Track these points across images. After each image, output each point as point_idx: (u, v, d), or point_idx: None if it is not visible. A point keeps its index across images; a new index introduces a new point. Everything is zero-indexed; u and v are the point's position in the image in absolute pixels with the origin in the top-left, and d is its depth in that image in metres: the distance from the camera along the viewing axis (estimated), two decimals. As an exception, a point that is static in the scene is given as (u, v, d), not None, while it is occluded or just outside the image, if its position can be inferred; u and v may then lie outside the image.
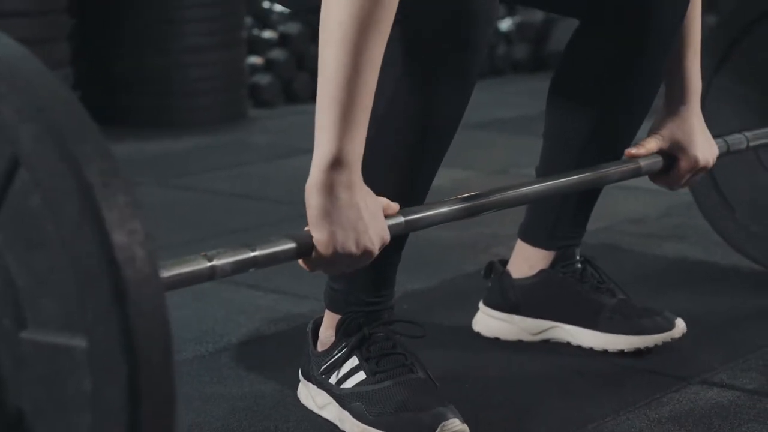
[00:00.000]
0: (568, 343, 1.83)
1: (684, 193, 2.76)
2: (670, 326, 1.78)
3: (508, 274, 1.88)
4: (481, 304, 1.91)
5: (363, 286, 1.55)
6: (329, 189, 1.32)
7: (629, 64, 1.71)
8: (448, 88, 1.42)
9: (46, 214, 0.89)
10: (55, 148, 0.88)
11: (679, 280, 2.20)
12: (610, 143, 1.75)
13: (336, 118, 1.31)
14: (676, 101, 1.75)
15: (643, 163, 1.71)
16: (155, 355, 0.89)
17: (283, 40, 4.57)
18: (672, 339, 1.78)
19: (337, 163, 1.32)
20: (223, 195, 3.03)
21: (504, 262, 1.90)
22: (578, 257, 1.85)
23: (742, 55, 2.15)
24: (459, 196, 1.48)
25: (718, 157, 1.79)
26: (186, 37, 4.05)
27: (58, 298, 0.90)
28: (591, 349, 1.80)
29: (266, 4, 4.61)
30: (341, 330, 1.57)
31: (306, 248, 1.31)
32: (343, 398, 1.54)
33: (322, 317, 1.62)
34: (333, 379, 1.56)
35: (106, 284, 0.86)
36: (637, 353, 1.78)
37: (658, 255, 2.37)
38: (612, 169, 1.67)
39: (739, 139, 1.85)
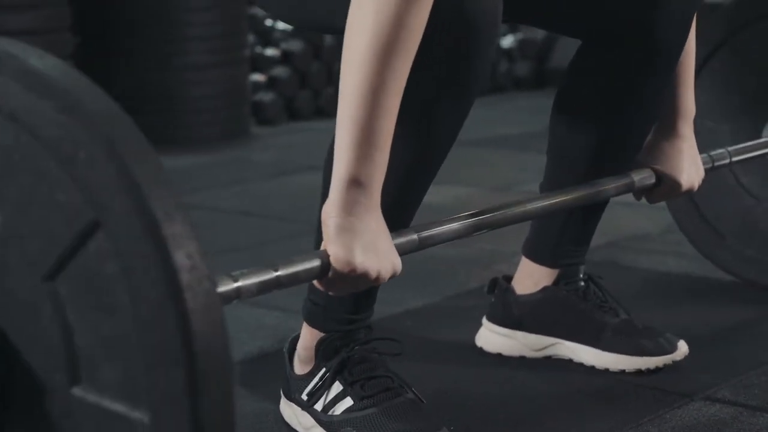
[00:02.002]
0: (571, 360, 1.83)
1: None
2: (672, 348, 1.78)
3: (512, 290, 1.88)
4: (484, 320, 1.91)
5: (344, 303, 1.54)
6: (348, 209, 1.31)
7: (634, 82, 1.71)
8: (447, 105, 1.41)
9: (123, 284, 0.87)
10: (144, 229, 0.87)
11: (681, 296, 2.20)
12: (613, 160, 1.75)
13: (355, 140, 1.30)
14: (666, 123, 1.76)
15: (636, 177, 1.72)
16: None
17: (286, 58, 4.58)
18: (673, 362, 1.78)
19: (356, 184, 1.31)
20: (226, 212, 3.04)
21: (508, 278, 1.90)
22: (582, 275, 1.85)
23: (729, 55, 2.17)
24: (469, 213, 1.49)
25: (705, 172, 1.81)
26: (189, 54, 4.06)
27: (120, 367, 0.88)
28: (593, 367, 1.80)
29: (269, 22, 4.62)
30: (320, 353, 1.56)
31: (327, 267, 1.30)
32: (333, 425, 1.53)
33: (298, 336, 1.61)
34: (319, 406, 1.55)
35: (182, 372, 0.85)
36: (638, 373, 1.78)
37: (661, 271, 2.37)
38: (606, 185, 1.69)
39: (722, 155, 1.87)
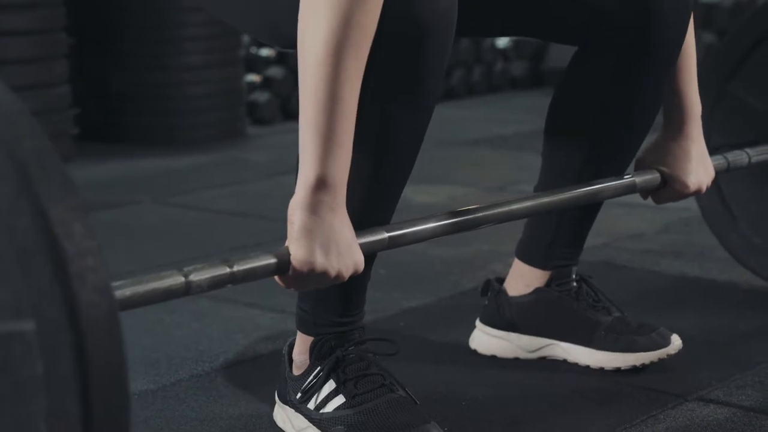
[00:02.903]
0: (565, 361, 1.84)
1: (682, 210, 2.77)
2: (666, 343, 1.79)
3: (505, 292, 1.88)
4: (477, 322, 1.91)
5: (332, 307, 1.55)
6: (313, 208, 1.34)
7: (630, 85, 1.71)
8: (402, 108, 1.41)
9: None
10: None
11: (676, 297, 2.21)
12: (608, 164, 1.75)
13: (318, 141, 1.32)
14: (672, 125, 1.76)
15: (638, 179, 1.71)
16: (101, 324, 0.87)
17: (281, 58, 4.59)
18: (668, 355, 1.78)
19: (321, 184, 1.33)
20: (222, 213, 3.04)
21: (500, 280, 1.91)
22: (574, 276, 1.85)
23: (753, 68, 2.15)
24: (443, 213, 1.49)
25: (719, 173, 1.79)
26: (184, 55, 4.06)
27: (5, 285, 0.88)
28: (587, 367, 1.81)
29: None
30: (314, 353, 1.57)
31: (285, 265, 1.32)
32: (323, 423, 1.54)
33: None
34: (312, 404, 1.56)
35: (46, 259, 0.85)
36: (634, 370, 1.78)
37: (656, 271, 2.37)
38: (607, 185, 1.68)
39: (740, 156, 1.85)
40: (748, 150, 1.86)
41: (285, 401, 1.61)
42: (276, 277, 1.35)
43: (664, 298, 2.20)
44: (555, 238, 1.83)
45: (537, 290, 1.85)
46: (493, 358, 1.88)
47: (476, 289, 1.97)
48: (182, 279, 1.19)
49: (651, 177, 1.73)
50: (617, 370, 1.79)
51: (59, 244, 0.87)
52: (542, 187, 1.80)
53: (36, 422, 0.88)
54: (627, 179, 1.70)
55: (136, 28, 4.05)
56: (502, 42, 5.42)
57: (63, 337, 0.87)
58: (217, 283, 1.23)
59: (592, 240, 2.46)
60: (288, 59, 4.57)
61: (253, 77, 4.52)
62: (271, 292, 2.20)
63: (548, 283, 1.84)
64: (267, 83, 4.54)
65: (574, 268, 1.86)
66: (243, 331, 2.04)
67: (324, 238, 1.33)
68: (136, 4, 4.04)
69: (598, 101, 1.73)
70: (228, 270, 1.24)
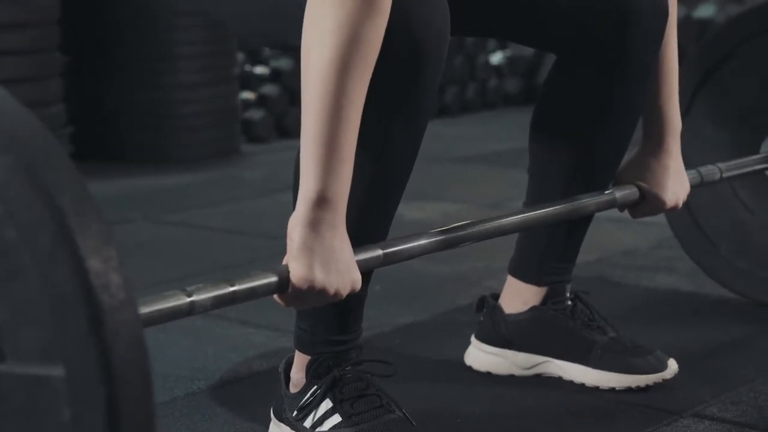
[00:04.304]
0: (560, 378, 1.84)
1: (675, 226, 2.77)
2: (663, 367, 1.79)
3: (500, 309, 1.88)
4: (473, 338, 1.91)
5: (329, 326, 1.55)
6: (313, 226, 1.34)
7: (607, 96, 1.72)
8: (400, 125, 1.42)
9: (22, 246, 0.89)
10: (27, 178, 0.88)
11: (669, 313, 2.21)
12: (593, 176, 1.77)
13: (320, 157, 1.32)
14: (651, 140, 1.78)
15: (618, 194, 1.74)
16: (133, 378, 0.88)
17: (275, 76, 4.59)
18: (663, 380, 1.78)
19: (322, 201, 1.33)
20: (217, 231, 3.04)
21: (495, 296, 1.91)
22: (569, 294, 1.86)
23: (721, 80, 2.18)
24: (436, 229, 1.49)
25: (693, 188, 1.81)
26: (178, 73, 4.07)
27: (35, 329, 0.89)
28: (582, 385, 1.81)
29: (258, 40, 4.63)
30: (311, 372, 1.57)
31: (285, 282, 1.32)
32: None
33: (294, 355, 1.62)
34: (308, 422, 1.56)
35: (82, 310, 0.86)
36: (628, 390, 1.78)
37: (649, 287, 2.38)
38: (588, 201, 1.70)
39: (712, 171, 1.88)
40: (719, 165, 1.89)
41: (281, 419, 1.61)
42: (275, 296, 1.35)
43: (657, 314, 2.20)
44: (546, 253, 1.83)
45: (533, 308, 1.85)
46: (488, 374, 1.88)
47: (471, 305, 1.98)
48: (186, 299, 1.20)
49: (629, 192, 1.75)
50: (612, 390, 1.79)
51: (96, 297, 0.87)
52: (530, 203, 1.81)
53: None
54: (607, 194, 1.73)
55: (130, 47, 4.06)
56: (496, 59, 5.43)
57: (94, 388, 0.87)
58: (220, 302, 1.24)
59: (585, 256, 2.47)
60: (283, 77, 4.57)
61: (247, 95, 4.52)
62: (266, 309, 2.20)
63: (544, 301, 1.85)
64: (262, 101, 4.54)
65: (569, 286, 1.86)
66: (238, 349, 2.04)
67: (324, 256, 1.33)
68: (131, 22, 4.04)
69: (578, 113, 1.75)
70: (230, 289, 1.25)
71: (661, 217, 2.81)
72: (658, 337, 1.96)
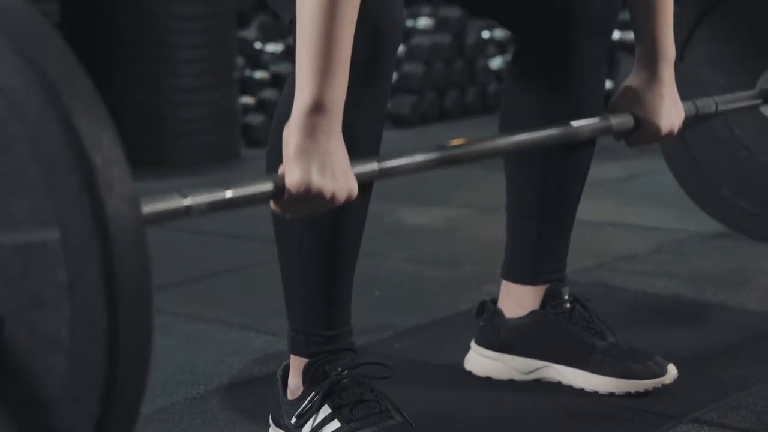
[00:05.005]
0: (560, 383, 1.84)
1: (676, 231, 2.77)
2: (662, 372, 1.79)
3: (500, 313, 1.88)
4: (473, 343, 1.91)
5: (320, 321, 1.57)
6: (309, 131, 1.36)
7: (563, 85, 1.78)
8: (362, 96, 1.47)
9: (11, 117, 0.88)
10: (10, 46, 0.88)
11: (669, 318, 2.21)
12: (563, 159, 1.80)
13: (315, 67, 1.36)
14: (645, 69, 1.79)
15: (614, 121, 1.75)
16: (127, 230, 0.88)
17: (275, 80, 4.59)
18: (663, 385, 1.78)
19: (318, 108, 1.36)
20: (216, 235, 3.04)
21: (495, 301, 1.91)
22: (567, 296, 1.86)
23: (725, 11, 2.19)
24: (433, 146, 1.53)
25: (689, 121, 1.83)
26: (178, 77, 4.07)
27: (27, 196, 0.89)
28: (582, 390, 1.81)
29: (257, 45, 4.63)
30: (308, 378, 1.57)
31: (281, 190, 1.34)
32: None
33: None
34: (307, 428, 1.56)
35: (74, 169, 0.86)
36: (627, 395, 1.78)
37: (649, 292, 2.38)
38: (583, 126, 1.71)
39: (707, 103, 1.89)
40: (716, 98, 1.90)
41: (279, 425, 1.61)
42: (272, 204, 1.36)
43: (658, 319, 2.20)
44: (537, 251, 1.84)
45: (532, 313, 1.85)
46: (488, 379, 1.88)
47: (471, 310, 1.98)
48: (182, 202, 1.21)
49: (624, 120, 1.77)
50: (611, 395, 1.79)
51: (87, 154, 0.87)
52: (511, 202, 1.87)
53: (58, 329, 0.89)
54: (603, 120, 1.74)
55: (130, 50, 4.06)
56: (496, 63, 5.43)
57: (90, 245, 0.87)
58: (215, 206, 1.25)
59: (585, 261, 2.47)
60: (282, 82, 4.57)
61: (247, 99, 4.52)
62: (266, 314, 2.20)
63: (543, 305, 1.85)
64: (261, 105, 4.54)
65: (566, 289, 1.86)
66: (237, 354, 2.04)
67: (320, 160, 1.35)
68: (130, 25, 4.04)
69: (538, 102, 1.79)
70: (226, 194, 1.27)
71: (661, 222, 2.82)
72: (658, 341, 1.96)
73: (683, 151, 2.22)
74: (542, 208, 1.83)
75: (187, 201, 1.23)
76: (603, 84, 1.83)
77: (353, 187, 1.39)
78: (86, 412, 0.89)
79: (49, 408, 0.91)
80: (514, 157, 1.84)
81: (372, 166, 1.43)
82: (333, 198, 1.37)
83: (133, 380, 0.90)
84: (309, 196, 1.35)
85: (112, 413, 0.89)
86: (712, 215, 2.24)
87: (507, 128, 1.84)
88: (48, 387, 0.90)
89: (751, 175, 2.20)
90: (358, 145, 1.46)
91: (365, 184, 1.47)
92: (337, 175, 1.37)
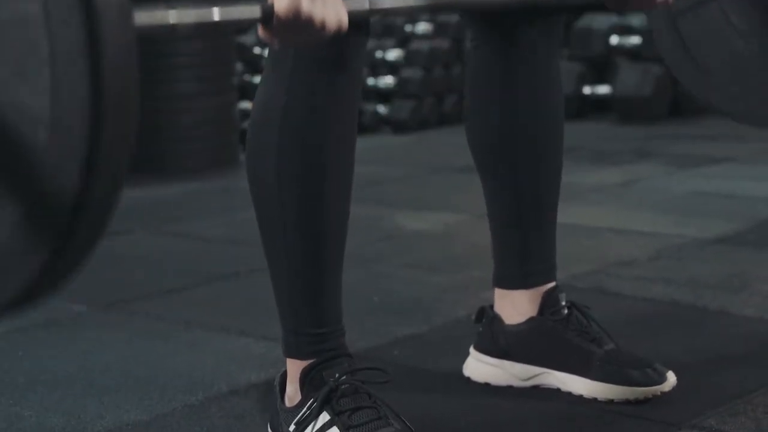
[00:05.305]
0: (558, 389, 1.84)
1: (674, 236, 2.77)
2: (662, 380, 1.78)
3: (499, 320, 1.88)
4: (472, 349, 1.91)
5: (310, 319, 1.58)
6: None
7: (520, 70, 1.82)
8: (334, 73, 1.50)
9: None
10: None
11: (667, 324, 2.21)
12: (537, 164, 1.83)
13: None
14: None
15: None
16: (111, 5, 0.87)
17: (274, 86, 4.60)
18: (662, 393, 1.78)
19: None
20: (215, 241, 3.04)
21: (494, 307, 1.91)
22: (564, 303, 1.86)
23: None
24: None
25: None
26: (176, 83, 4.07)
27: None
28: (581, 396, 1.81)
29: (257, 50, 4.64)
30: (306, 384, 1.57)
31: (270, 14, 1.32)
32: None
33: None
34: None
35: None
36: (626, 402, 1.78)
37: (647, 298, 2.38)
38: None
39: None
40: None
41: (278, 432, 1.61)
42: (260, 30, 1.34)
43: (655, 325, 2.20)
44: (525, 253, 1.84)
45: (531, 319, 1.85)
46: (487, 385, 1.88)
47: (469, 316, 1.98)
48: (167, 17, 1.19)
49: None
50: (610, 402, 1.79)
51: None
52: (490, 211, 1.91)
53: (40, 98, 0.88)
54: None
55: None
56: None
57: (71, 16, 0.86)
58: (203, 25, 1.24)
59: (583, 266, 2.47)
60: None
61: (246, 105, 4.53)
62: (264, 320, 2.20)
63: (541, 311, 1.85)
64: (260, 111, 4.55)
65: (562, 295, 1.86)
66: (236, 361, 2.04)
67: None
68: (129, 32, 4.05)
69: (502, 73, 1.83)
70: (214, 17, 1.25)
71: (659, 228, 2.83)
72: (656, 348, 1.96)
73: (675, 37, 2.22)
74: (519, 217, 1.84)
75: (173, 18, 1.20)
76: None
77: (343, 18, 1.37)
78: (67, 182, 0.89)
79: (32, 179, 0.92)
80: (485, 170, 1.88)
81: (363, 4, 1.42)
82: (323, 26, 1.34)
83: (115, 150, 0.90)
84: (298, 22, 1.32)
85: (93, 183, 0.89)
86: (705, 102, 2.24)
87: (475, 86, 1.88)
88: (32, 157, 0.91)
89: (746, 62, 2.19)
90: None
91: (356, 23, 1.45)
92: (327, 3, 1.35)
